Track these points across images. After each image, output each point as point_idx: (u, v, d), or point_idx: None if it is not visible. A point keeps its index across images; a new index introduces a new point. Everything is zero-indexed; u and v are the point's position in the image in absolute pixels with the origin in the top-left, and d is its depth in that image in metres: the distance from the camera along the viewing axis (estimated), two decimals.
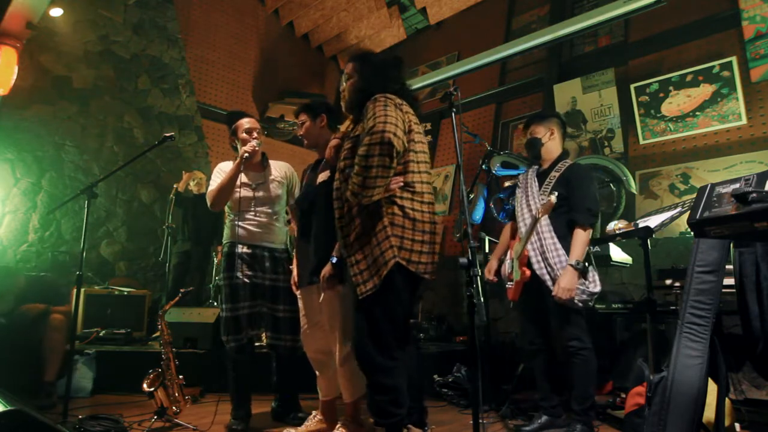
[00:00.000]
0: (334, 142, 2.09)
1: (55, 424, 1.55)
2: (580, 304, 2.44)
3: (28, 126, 4.67)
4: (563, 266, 2.44)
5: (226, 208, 2.71)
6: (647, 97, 4.66)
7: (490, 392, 3.06)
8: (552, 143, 2.72)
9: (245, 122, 2.68)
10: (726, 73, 4.25)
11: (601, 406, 2.90)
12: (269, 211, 2.66)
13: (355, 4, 6.70)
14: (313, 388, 2.47)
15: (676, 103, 4.49)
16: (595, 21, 4.83)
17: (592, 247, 3.20)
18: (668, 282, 3.16)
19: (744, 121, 4.12)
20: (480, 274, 1.66)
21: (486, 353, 3.27)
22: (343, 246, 1.91)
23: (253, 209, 2.63)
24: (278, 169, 2.77)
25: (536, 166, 2.81)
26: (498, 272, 2.84)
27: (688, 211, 1.71)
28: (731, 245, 1.86)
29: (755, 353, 1.78)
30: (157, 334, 3.40)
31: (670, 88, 4.54)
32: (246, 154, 2.53)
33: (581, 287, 2.43)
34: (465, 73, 5.88)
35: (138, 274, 5.17)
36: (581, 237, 2.46)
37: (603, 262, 3.23)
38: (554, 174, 2.63)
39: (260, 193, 2.65)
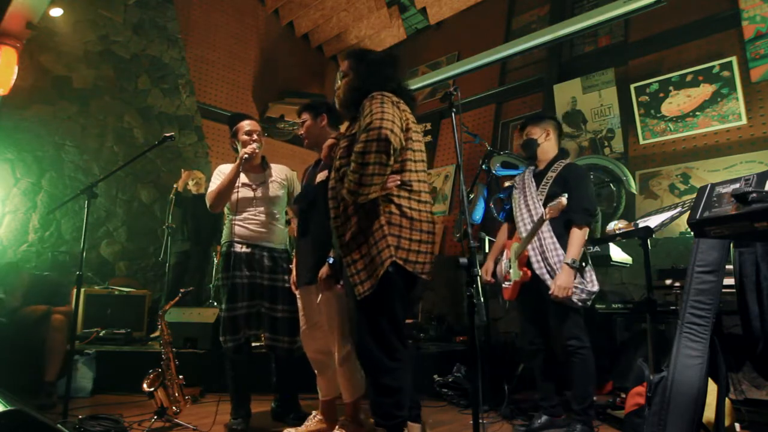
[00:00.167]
0: (329, 141, 2.09)
1: (55, 424, 1.56)
2: (579, 304, 2.45)
3: (28, 126, 4.67)
4: (562, 265, 2.45)
5: (226, 209, 2.71)
6: (647, 97, 4.66)
7: (490, 392, 3.06)
8: (548, 144, 2.74)
9: (246, 124, 2.69)
10: (726, 73, 4.25)
11: (601, 406, 2.90)
12: (269, 211, 2.67)
13: (355, 4, 6.70)
14: (313, 388, 2.47)
15: (676, 103, 4.49)
16: (595, 21, 4.83)
17: (591, 247, 3.22)
18: (668, 282, 3.16)
19: (744, 121, 4.12)
20: (480, 273, 1.66)
21: (486, 353, 3.27)
22: (339, 246, 1.89)
23: (252, 209, 2.63)
24: (278, 170, 2.78)
25: (532, 167, 2.83)
26: (494, 273, 2.85)
27: (688, 211, 1.71)
28: (731, 245, 1.86)
29: (755, 353, 1.78)
30: (157, 334, 3.40)
31: (670, 88, 4.54)
32: (246, 155, 2.53)
33: (580, 286, 2.44)
34: (465, 73, 5.88)
35: (138, 274, 5.17)
36: (578, 236, 2.47)
37: (603, 262, 3.24)
38: (551, 174, 2.64)
39: (260, 194, 2.65)
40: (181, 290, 2.87)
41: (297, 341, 2.59)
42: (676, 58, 4.63)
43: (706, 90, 4.34)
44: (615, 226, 2.89)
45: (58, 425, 1.60)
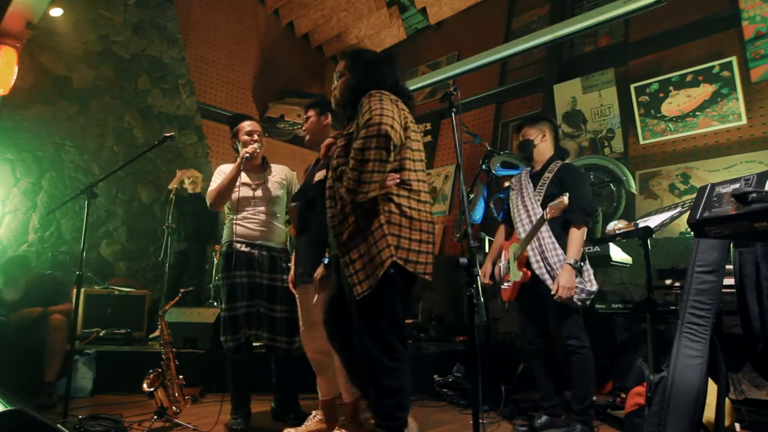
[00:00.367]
0: (327, 141, 2.08)
1: (55, 424, 1.56)
2: (579, 303, 2.46)
3: (28, 126, 4.67)
4: (563, 265, 2.45)
5: (226, 208, 2.71)
6: (647, 97, 4.66)
7: (490, 392, 3.06)
8: (544, 145, 2.75)
9: (247, 125, 2.69)
10: (726, 73, 4.25)
11: (601, 406, 2.90)
12: (269, 210, 2.67)
13: (355, 4, 6.70)
14: (313, 388, 2.47)
15: (676, 103, 4.49)
16: (595, 21, 4.83)
17: (591, 247, 3.23)
18: (668, 282, 3.16)
19: (744, 121, 4.12)
20: (480, 273, 1.66)
21: (486, 353, 3.26)
22: (336, 245, 1.86)
23: (252, 209, 2.63)
24: (278, 170, 2.79)
25: (529, 168, 2.84)
26: (492, 275, 2.86)
27: (688, 211, 1.71)
28: (731, 245, 1.86)
29: (755, 353, 1.78)
30: (157, 334, 3.40)
31: (670, 88, 4.54)
32: (246, 155, 2.54)
33: (580, 286, 2.45)
34: (465, 73, 5.88)
35: (138, 274, 5.17)
36: (577, 236, 2.48)
37: (603, 262, 3.24)
38: (547, 175, 2.65)
39: (260, 193, 2.65)
40: (181, 290, 2.87)
41: (296, 341, 2.58)
42: (676, 58, 4.63)
43: (706, 90, 4.34)
44: (615, 226, 2.89)
45: (58, 425, 1.60)
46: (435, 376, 3.48)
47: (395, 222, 1.77)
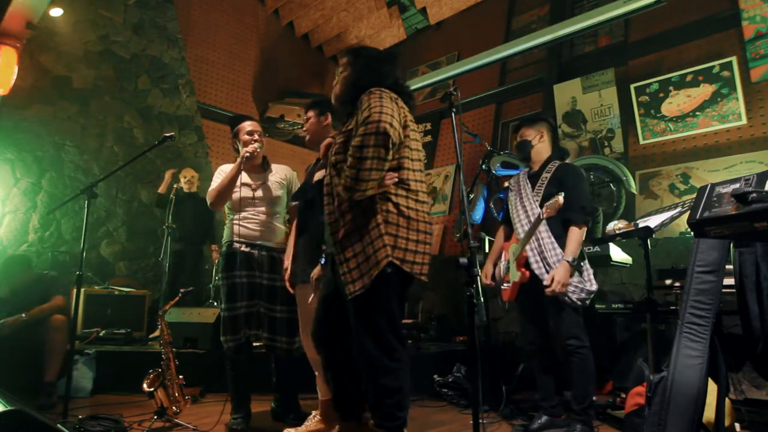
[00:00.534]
0: (327, 141, 2.07)
1: (55, 424, 1.55)
2: (578, 303, 2.46)
3: (28, 126, 4.67)
4: (561, 262, 2.46)
5: (226, 208, 2.71)
6: (647, 97, 4.66)
7: (490, 392, 3.06)
8: (542, 145, 2.76)
9: (247, 125, 2.70)
10: (726, 73, 4.25)
11: (601, 406, 2.90)
12: (269, 210, 2.67)
13: (355, 4, 6.70)
14: (313, 388, 2.46)
15: (676, 103, 4.49)
16: (595, 21, 4.84)
17: (591, 247, 3.23)
18: (668, 282, 3.16)
19: (744, 121, 4.12)
20: (480, 273, 1.66)
21: (486, 353, 3.26)
22: (331, 243, 1.84)
23: (252, 209, 2.63)
24: (279, 170, 2.79)
25: (527, 169, 2.85)
26: (494, 276, 2.86)
27: (688, 211, 1.71)
28: (731, 245, 1.86)
29: (755, 353, 1.78)
30: (157, 334, 3.40)
31: (670, 88, 4.54)
32: (247, 154, 2.54)
33: (579, 285, 2.45)
34: (465, 73, 5.88)
35: (138, 274, 5.17)
36: (576, 234, 2.49)
37: (603, 262, 3.24)
38: (545, 175, 2.66)
39: (260, 193, 2.66)
40: (181, 290, 2.87)
41: (295, 341, 2.58)
42: (676, 58, 4.63)
43: (706, 90, 4.35)
44: (615, 226, 2.89)
45: (58, 425, 1.60)
46: (435, 376, 3.48)
47: (393, 221, 1.75)
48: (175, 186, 4.64)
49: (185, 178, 4.76)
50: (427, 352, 4.07)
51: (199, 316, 3.71)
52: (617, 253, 3.26)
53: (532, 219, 2.59)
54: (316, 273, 2.17)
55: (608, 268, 3.53)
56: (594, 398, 2.50)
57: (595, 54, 5.29)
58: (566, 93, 5.25)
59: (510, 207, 2.82)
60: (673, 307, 3.09)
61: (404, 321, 4.89)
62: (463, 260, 1.64)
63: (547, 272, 2.50)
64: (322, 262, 2.12)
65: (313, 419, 2.41)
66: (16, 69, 4.17)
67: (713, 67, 4.32)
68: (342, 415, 1.93)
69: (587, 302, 2.50)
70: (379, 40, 7.05)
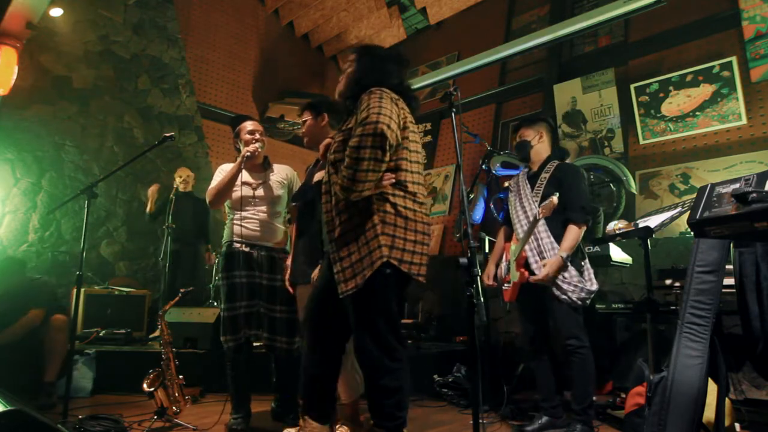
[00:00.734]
0: (326, 141, 2.08)
1: (55, 424, 1.56)
2: (579, 302, 2.46)
3: (28, 126, 4.67)
4: (566, 266, 2.47)
5: (227, 208, 2.71)
6: (647, 97, 4.66)
7: (490, 392, 3.06)
8: (541, 146, 2.77)
9: (249, 124, 2.71)
10: (726, 73, 4.25)
11: (601, 406, 2.90)
12: (269, 210, 2.67)
13: (355, 4, 6.70)
14: None
15: (676, 103, 4.49)
16: (595, 21, 4.83)
17: (591, 247, 3.23)
18: (668, 282, 3.16)
19: (744, 121, 4.12)
20: (480, 274, 1.66)
21: (486, 353, 3.27)
22: (327, 242, 1.84)
23: (253, 208, 2.64)
24: (280, 170, 2.79)
25: (526, 169, 2.85)
26: (496, 276, 2.86)
27: (688, 211, 1.71)
28: (731, 245, 1.86)
29: (755, 353, 1.78)
30: (157, 334, 3.40)
31: (670, 88, 4.54)
32: (248, 154, 2.54)
33: (580, 285, 2.45)
34: (465, 73, 5.88)
35: (138, 274, 5.17)
36: (574, 232, 2.50)
37: (603, 262, 3.24)
38: (544, 175, 2.66)
39: (261, 193, 2.66)
40: (181, 290, 2.87)
41: (295, 341, 2.59)
42: (676, 58, 4.63)
43: (706, 90, 4.35)
44: (615, 226, 2.89)
45: (58, 425, 1.60)
46: (435, 376, 3.49)
47: (390, 222, 1.75)
48: (174, 186, 4.64)
49: (180, 177, 4.74)
50: (427, 352, 4.07)
51: (199, 316, 3.71)
52: (617, 253, 3.26)
53: (531, 219, 2.59)
54: (316, 274, 2.17)
55: (608, 268, 3.53)
56: (594, 398, 2.50)
57: (595, 54, 5.29)
58: (566, 93, 5.25)
59: (510, 208, 2.83)
60: (673, 307, 3.09)
61: (404, 321, 4.90)
62: (463, 260, 1.64)
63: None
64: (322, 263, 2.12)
65: None
66: (16, 69, 4.16)
67: (713, 67, 4.32)
68: (317, 415, 1.87)
69: (588, 302, 2.50)
70: (379, 40, 7.05)
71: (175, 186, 4.63)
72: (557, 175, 2.63)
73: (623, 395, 2.74)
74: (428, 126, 6.70)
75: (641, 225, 2.67)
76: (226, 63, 6.60)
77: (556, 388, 2.66)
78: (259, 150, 2.62)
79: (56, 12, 4.72)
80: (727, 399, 1.93)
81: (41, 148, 4.73)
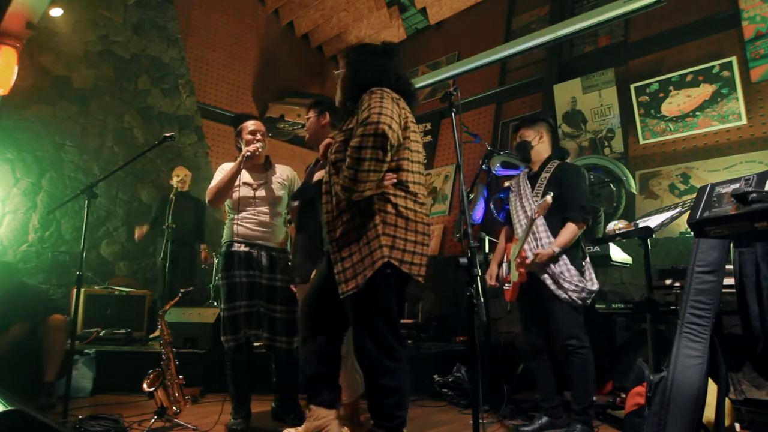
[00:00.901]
0: (326, 141, 2.09)
1: (55, 424, 1.55)
2: (580, 302, 2.47)
3: (28, 126, 4.67)
4: (566, 266, 2.47)
5: (227, 208, 2.71)
6: (647, 97, 4.66)
7: (490, 392, 3.06)
8: (541, 146, 2.77)
9: (250, 124, 2.71)
10: (726, 73, 4.25)
11: (601, 406, 2.90)
12: (269, 211, 2.67)
13: (355, 4, 6.70)
14: None
15: (676, 103, 4.49)
16: (595, 21, 4.83)
17: (591, 247, 3.23)
18: (668, 282, 3.16)
19: (744, 121, 4.12)
20: (480, 274, 1.66)
21: (486, 353, 3.27)
22: (328, 242, 1.85)
23: (253, 209, 2.63)
24: (281, 171, 2.79)
25: (527, 169, 2.86)
26: (498, 276, 2.86)
27: (688, 211, 1.71)
28: (731, 245, 1.86)
29: (755, 353, 1.78)
30: (157, 334, 3.40)
31: (670, 88, 4.54)
32: (248, 153, 2.54)
33: (581, 284, 2.45)
34: (465, 73, 5.88)
35: (138, 274, 5.17)
36: (570, 229, 2.51)
37: (603, 262, 3.24)
38: (545, 175, 2.67)
39: (261, 193, 2.65)
40: (181, 290, 2.87)
41: (294, 341, 2.59)
42: (676, 58, 4.63)
43: (706, 90, 4.35)
44: (615, 226, 2.89)
45: (58, 425, 1.59)
46: (435, 376, 3.49)
47: (391, 222, 1.75)
48: (174, 186, 4.64)
49: (178, 177, 4.74)
50: (427, 352, 4.07)
51: (199, 316, 3.71)
52: (617, 253, 3.26)
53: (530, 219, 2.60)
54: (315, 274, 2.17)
55: (608, 268, 3.53)
56: (594, 398, 2.50)
57: (595, 54, 5.29)
58: (566, 93, 5.25)
59: (511, 208, 2.84)
60: (673, 307, 3.09)
61: (404, 321, 4.90)
62: (463, 260, 1.64)
63: (546, 273, 2.51)
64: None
65: None
66: (16, 69, 4.16)
67: (713, 67, 4.32)
68: (321, 401, 1.86)
69: (588, 301, 2.50)
70: (379, 41, 7.03)
71: (175, 186, 4.62)
72: (558, 175, 2.63)
73: (623, 395, 2.74)
74: (428, 126, 6.70)
75: (641, 225, 2.68)
76: (226, 63, 6.60)
77: (556, 388, 2.66)
78: (260, 150, 2.62)
79: (56, 12, 4.71)
80: (727, 399, 1.93)
81: (41, 148, 4.72)
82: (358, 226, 1.76)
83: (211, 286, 4.95)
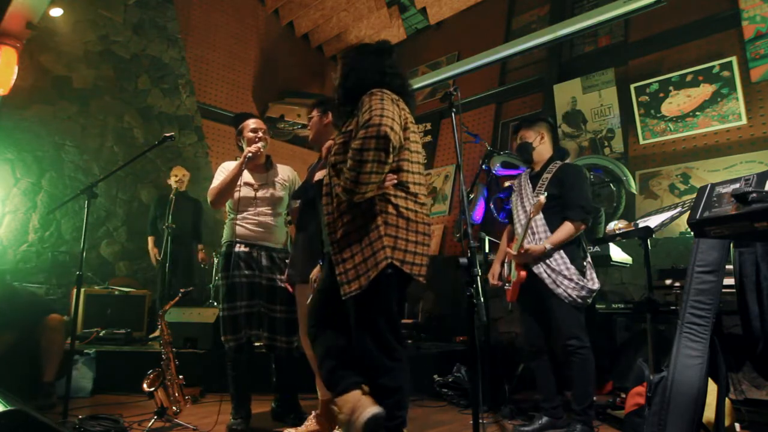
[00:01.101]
0: (328, 143, 2.08)
1: (55, 424, 1.55)
2: (580, 301, 2.47)
3: (28, 126, 4.67)
4: (566, 266, 2.48)
5: (227, 208, 2.71)
6: (647, 97, 4.66)
7: (490, 392, 3.06)
8: (542, 146, 2.77)
9: (251, 122, 2.70)
10: (726, 73, 4.25)
11: (601, 406, 2.90)
12: (270, 211, 2.67)
13: (355, 4, 6.70)
14: (313, 388, 2.46)
15: (676, 103, 4.49)
16: (595, 21, 4.84)
17: (592, 247, 3.23)
18: (668, 282, 3.16)
19: (744, 121, 4.12)
20: (480, 274, 1.65)
21: (486, 353, 3.27)
22: (329, 243, 1.84)
23: (253, 209, 2.63)
24: (282, 171, 2.79)
25: (528, 170, 2.86)
26: (500, 276, 2.87)
27: (688, 211, 1.71)
28: (731, 245, 1.86)
29: (755, 353, 1.78)
30: (157, 334, 3.40)
31: (670, 88, 4.54)
32: (249, 154, 2.53)
33: (581, 283, 2.46)
34: (465, 73, 5.88)
35: (138, 274, 5.17)
36: (567, 227, 2.51)
37: (603, 262, 3.24)
38: (546, 176, 2.67)
39: (262, 193, 2.65)
40: (181, 290, 2.87)
41: (294, 341, 2.59)
42: (676, 58, 4.63)
43: (706, 90, 4.35)
44: (615, 226, 2.89)
45: (58, 425, 1.59)
46: (435, 376, 3.49)
47: (392, 223, 1.75)
48: (174, 186, 4.64)
49: (176, 177, 4.73)
50: (427, 352, 4.07)
51: (199, 316, 3.71)
52: (617, 253, 3.26)
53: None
54: (314, 273, 2.17)
55: (608, 268, 3.53)
56: (594, 398, 2.50)
57: (595, 54, 5.29)
58: (566, 93, 5.25)
59: (512, 208, 2.84)
60: (673, 307, 3.09)
61: (404, 321, 4.90)
62: (463, 260, 1.64)
63: (546, 272, 2.51)
64: (321, 263, 2.12)
65: (313, 419, 2.41)
66: (16, 69, 4.16)
67: (713, 67, 4.32)
68: (345, 387, 1.78)
69: (589, 300, 2.50)
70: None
71: (174, 186, 4.62)
72: (559, 176, 2.63)
73: (623, 395, 2.74)
74: (428, 126, 6.70)
75: (641, 225, 2.68)
76: (226, 63, 6.60)
77: (556, 388, 2.66)
78: (261, 150, 2.62)
79: (56, 12, 4.71)
80: (727, 399, 1.93)
81: (41, 148, 4.72)
82: (360, 227, 1.76)
83: (210, 286, 4.95)
